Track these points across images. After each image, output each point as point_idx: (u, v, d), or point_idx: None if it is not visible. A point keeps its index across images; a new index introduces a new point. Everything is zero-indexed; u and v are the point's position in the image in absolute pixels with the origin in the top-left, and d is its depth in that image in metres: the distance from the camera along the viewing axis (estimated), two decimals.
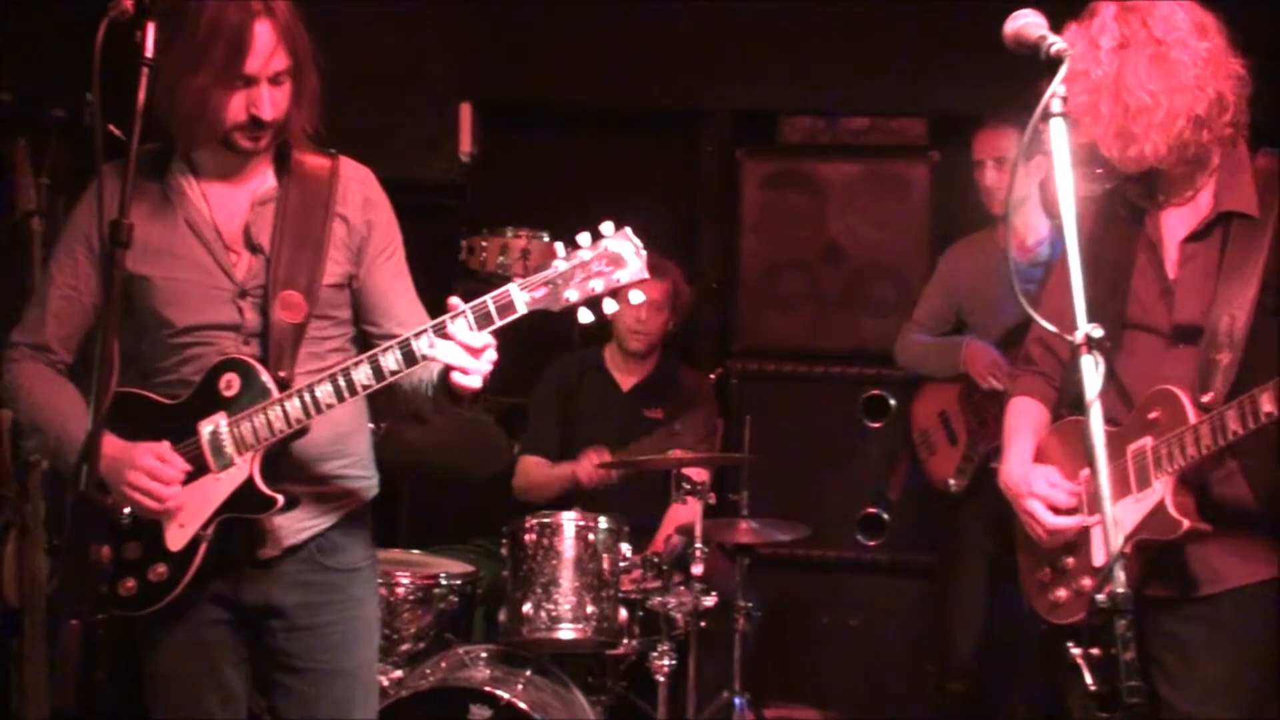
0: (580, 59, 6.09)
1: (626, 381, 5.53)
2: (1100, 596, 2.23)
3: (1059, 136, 2.43)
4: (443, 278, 5.87)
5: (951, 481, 5.22)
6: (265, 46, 2.91)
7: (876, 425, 5.90)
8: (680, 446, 4.76)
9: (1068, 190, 2.42)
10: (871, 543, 5.88)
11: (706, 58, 6.05)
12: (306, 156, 3.13)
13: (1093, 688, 2.22)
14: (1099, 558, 2.96)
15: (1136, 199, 3.06)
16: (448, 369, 2.92)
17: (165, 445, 2.96)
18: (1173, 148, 2.89)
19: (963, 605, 5.26)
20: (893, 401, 5.83)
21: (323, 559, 3.13)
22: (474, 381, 2.88)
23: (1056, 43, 2.49)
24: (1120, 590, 2.21)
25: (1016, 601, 5.06)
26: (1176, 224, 3.03)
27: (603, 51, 6.08)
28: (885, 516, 5.86)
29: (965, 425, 5.22)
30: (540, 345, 5.51)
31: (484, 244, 5.93)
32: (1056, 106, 2.42)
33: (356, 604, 3.19)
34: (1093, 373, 2.35)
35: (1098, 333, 2.36)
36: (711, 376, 5.93)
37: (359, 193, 3.16)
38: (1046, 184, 5.06)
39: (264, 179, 3.12)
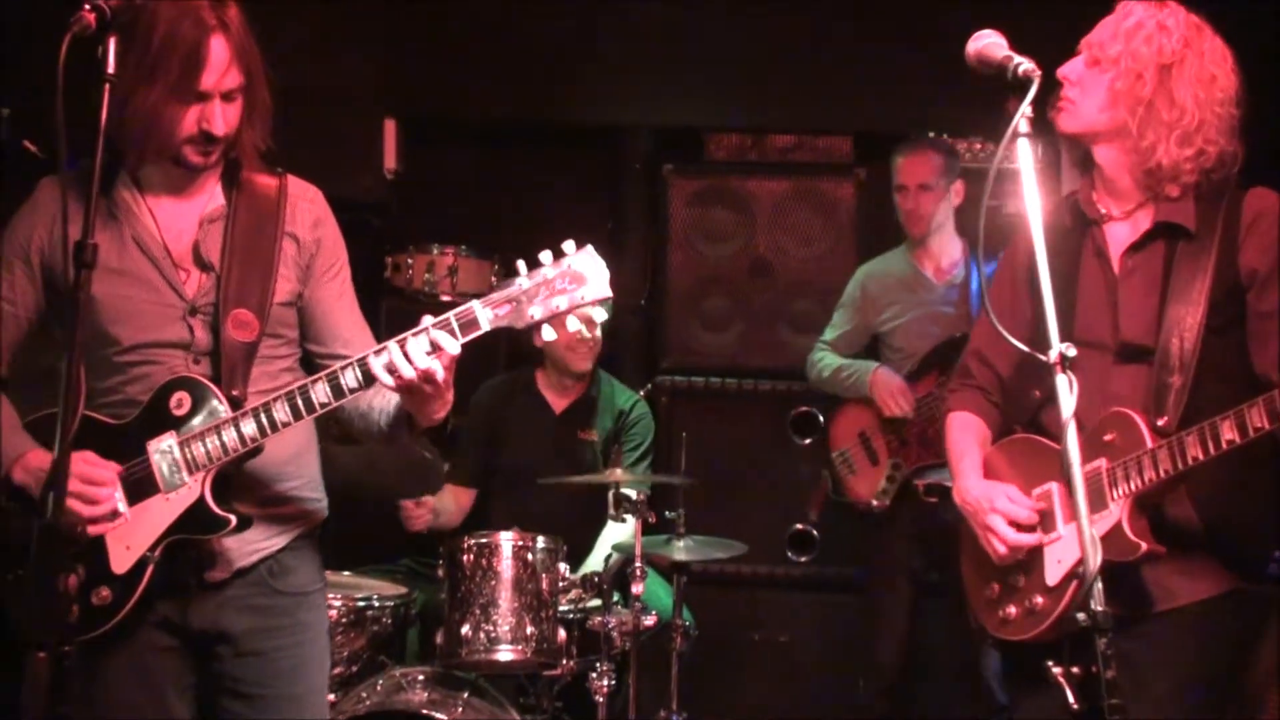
0: (506, 76, 6.06)
1: (559, 403, 5.49)
2: (1080, 615, 2.23)
3: (1026, 156, 2.44)
4: (367, 296, 5.81)
5: (874, 502, 5.25)
6: (220, 62, 2.88)
7: (806, 442, 5.91)
8: (619, 466, 4.73)
9: (1036, 209, 2.44)
10: (802, 559, 5.89)
11: (632, 75, 6.06)
12: (255, 175, 3.09)
13: (1075, 706, 2.22)
14: (1052, 577, 2.97)
15: (1086, 208, 3.08)
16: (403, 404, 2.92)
17: (91, 453, 2.89)
18: (1175, 161, 2.93)
19: (889, 622, 5.30)
20: (821, 418, 5.84)
21: (273, 582, 3.07)
22: (438, 413, 2.88)
23: (1024, 63, 2.51)
24: (1100, 609, 2.22)
25: (941, 617, 5.19)
26: (1120, 236, 3.06)
27: (529, 69, 6.05)
28: (815, 533, 5.87)
29: (886, 445, 5.26)
30: (466, 366, 5.45)
31: (410, 261, 5.88)
32: (1025, 127, 2.43)
33: (307, 629, 3.13)
34: (1067, 392, 2.36)
35: (1071, 352, 2.37)
36: (641, 394, 5.90)
37: (308, 212, 3.14)
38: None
39: (212, 196, 3.08)
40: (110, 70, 2.41)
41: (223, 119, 2.91)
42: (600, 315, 2.83)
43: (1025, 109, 2.43)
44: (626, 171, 6.28)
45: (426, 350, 2.80)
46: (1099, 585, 2.26)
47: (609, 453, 5.34)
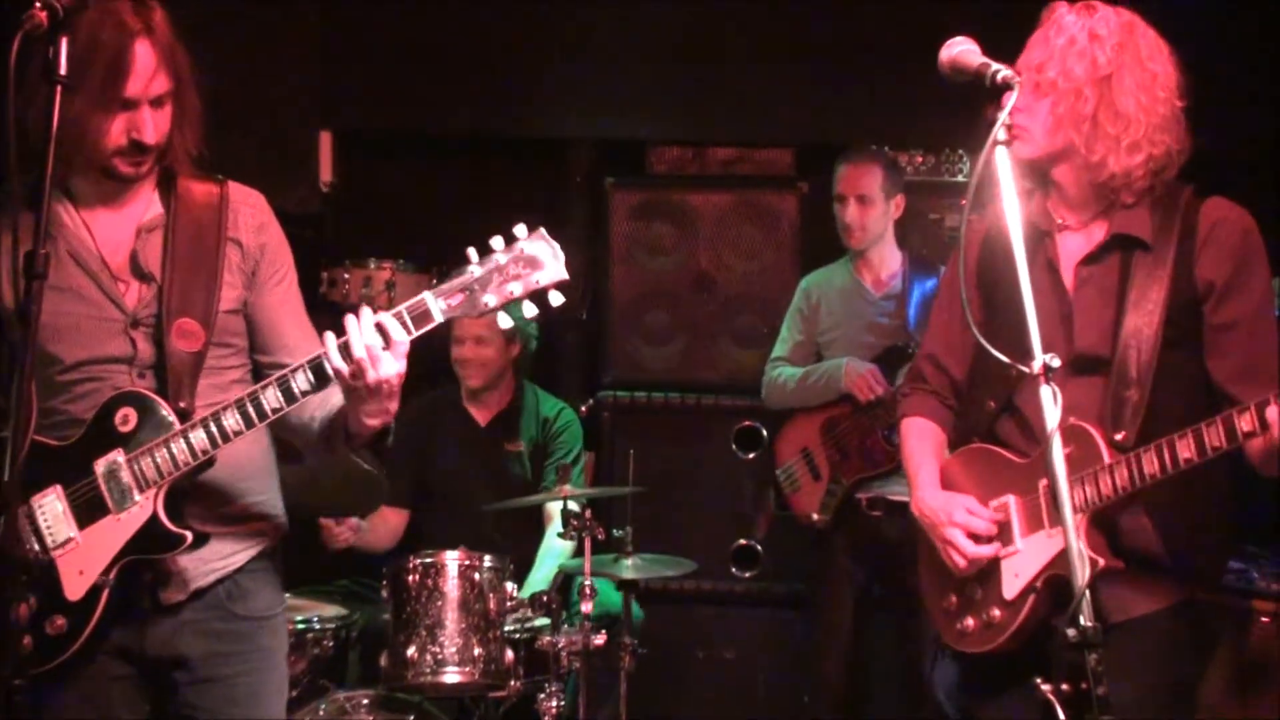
0: (444, 88, 5.99)
1: (484, 416, 5.43)
2: (1071, 631, 2.20)
3: (1005, 165, 2.41)
4: None
5: (815, 516, 5.19)
6: (146, 68, 2.78)
7: (750, 456, 5.86)
8: (566, 482, 4.66)
9: (1015, 218, 2.41)
10: (745, 574, 5.84)
11: (573, 88, 6.00)
12: (192, 182, 2.99)
13: None
14: (1009, 591, 2.94)
15: (1039, 219, 3.05)
16: (343, 410, 2.84)
17: None
18: (1127, 169, 2.90)
19: (833, 636, 5.25)
20: (765, 433, 5.81)
21: (231, 606, 2.99)
22: (374, 419, 2.80)
23: (1002, 70, 2.47)
24: (1090, 624, 2.18)
25: (885, 630, 5.17)
26: (1073, 247, 3.03)
27: (467, 81, 5.98)
28: (759, 548, 5.82)
29: (827, 459, 5.21)
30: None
31: (346, 276, 5.79)
32: (1003, 135, 2.39)
33: (266, 654, 3.06)
34: (1052, 403, 2.32)
35: (1055, 362, 2.33)
36: (583, 409, 5.84)
37: (251, 216, 3.05)
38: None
39: (148, 205, 2.99)
40: (62, 72, 2.31)
41: (153, 126, 2.82)
42: (558, 299, 2.75)
43: (1005, 116, 2.39)
44: (568, 185, 6.22)
45: (381, 345, 2.72)
46: (1088, 598, 2.22)
47: (537, 462, 5.31)
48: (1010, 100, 2.40)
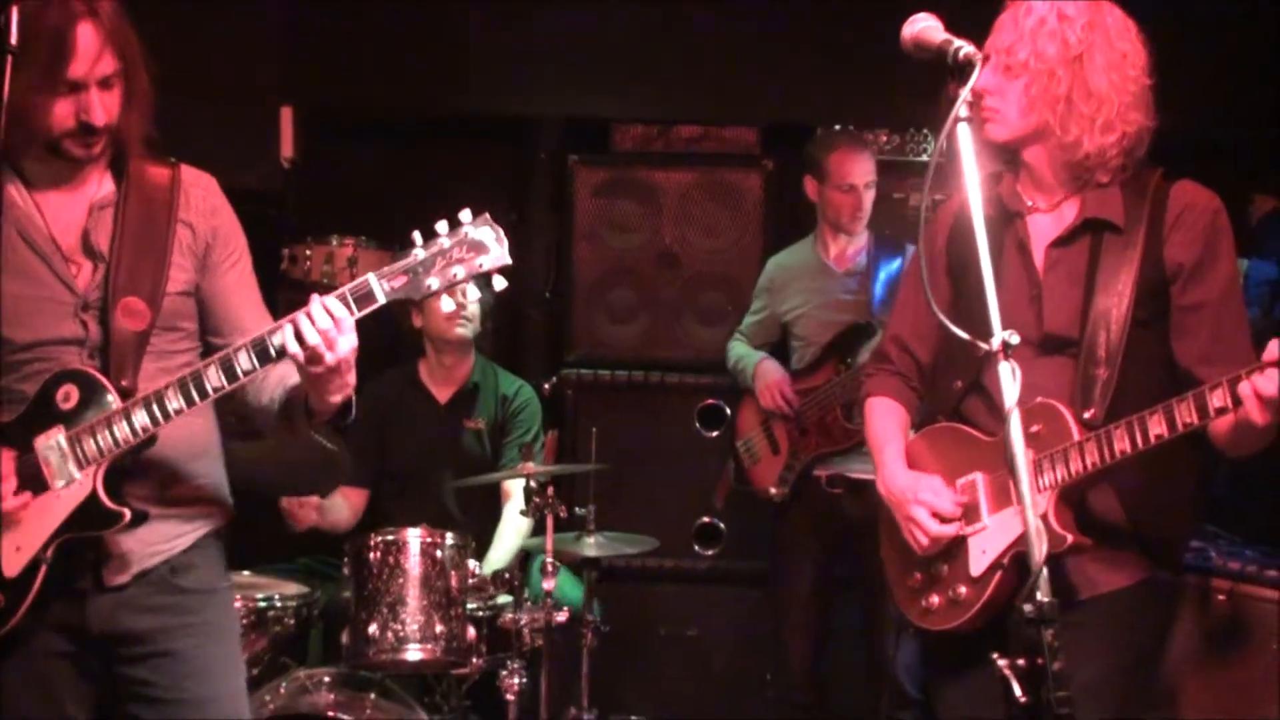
0: (407, 65, 5.94)
1: (443, 394, 5.40)
2: (1028, 607, 2.20)
3: (967, 142, 2.41)
4: (263, 288, 5.65)
5: (773, 490, 5.21)
6: (90, 49, 2.77)
7: (713, 434, 5.87)
8: (530, 460, 4.65)
9: (976, 195, 2.40)
10: (708, 552, 5.86)
11: (538, 65, 5.96)
12: (145, 164, 2.99)
13: (1022, 699, 2.18)
14: (976, 567, 2.95)
15: (1009, 201, 3.05)
16: (301, 388, 2.83)
17: None
18: (1101, 148, 2.91)
19: (797, 614, 5.26)
20: (729, 410, 5.81)
21: (174, 579, 2.97)
22: (334, 395, 2.78)
23: (964, 47, 2.47)
24: (1046, 599, 2.19)
25: (849, 610, 5.18)
26: (1044, 229, 3.03)
27: (430, 58, 5.94)
28: (721, 526, 5.83)
29: (787, 434, 5.22)
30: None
31: (308, 253, 5.74)
32: (965, 111, 2.39)
33: (214, 629, 3.03)
34: (1010, 380, 2.33)
35: (1015, 339, 2.34)
36: (546, 387, 5.83)
37: (203, 199, 3.04)
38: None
39: (101, 184, 2.98)
40: (13, 42, 2.28)
41: (102, 108, 2.81)
42: (500, 283, 2.79)
43: (966, 94, 2.39)
44: (532, 162, 6.19)
45: (333, 328, 2.72)
46: (1045, 575, 2.23)
47: (496, 440, 5.30)
48: (973, 77, 2.40)
